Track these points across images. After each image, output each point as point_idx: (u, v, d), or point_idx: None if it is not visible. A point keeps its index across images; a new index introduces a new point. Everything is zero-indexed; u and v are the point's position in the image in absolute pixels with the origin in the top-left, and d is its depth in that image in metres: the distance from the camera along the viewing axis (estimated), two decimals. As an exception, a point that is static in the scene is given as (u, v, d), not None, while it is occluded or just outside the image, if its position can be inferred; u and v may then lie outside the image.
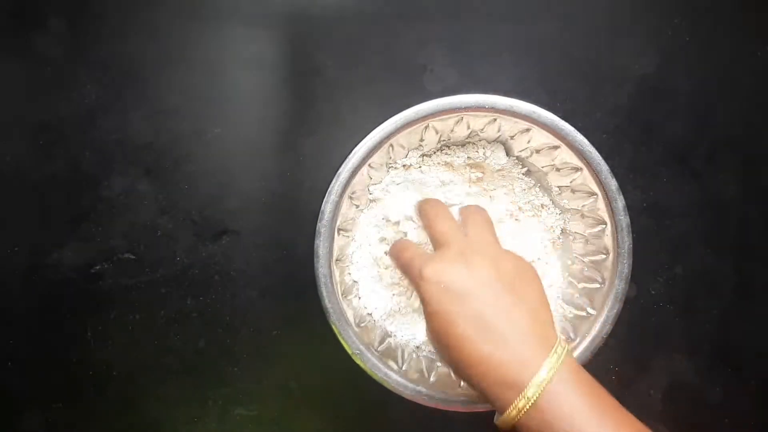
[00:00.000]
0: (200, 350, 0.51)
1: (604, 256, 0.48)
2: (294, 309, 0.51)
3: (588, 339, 0.47)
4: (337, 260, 0.47)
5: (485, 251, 0.40)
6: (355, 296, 0.50)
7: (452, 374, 0.47)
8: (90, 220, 0.50)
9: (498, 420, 0.36)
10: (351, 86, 0.51)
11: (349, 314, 0.47)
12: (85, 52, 0.50)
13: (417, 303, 0.50)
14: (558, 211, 0.51)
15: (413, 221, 0.49)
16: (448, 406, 0.46)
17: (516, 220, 0.51)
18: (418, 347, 0.50)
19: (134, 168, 0.50)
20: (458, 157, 0.50)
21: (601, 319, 0.47)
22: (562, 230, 0.51)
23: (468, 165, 0.51)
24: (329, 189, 0.46)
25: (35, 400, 0.51)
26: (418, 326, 0.50)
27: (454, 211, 0.48)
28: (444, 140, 0.50)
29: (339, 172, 0.46)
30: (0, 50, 0.49)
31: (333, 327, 0.46)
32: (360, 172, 0.46)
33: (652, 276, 0.53)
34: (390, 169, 0.50)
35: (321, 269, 0.46)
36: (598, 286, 0.48)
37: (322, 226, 0.46)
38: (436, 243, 0.43)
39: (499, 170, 0.51)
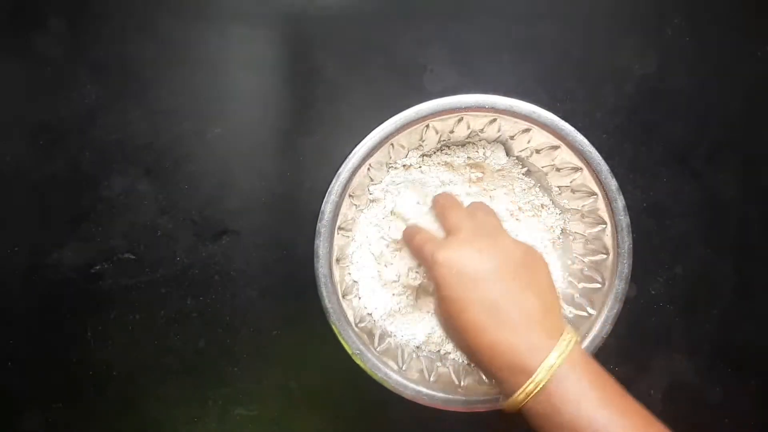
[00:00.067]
0: (200, 350, 0.51)
1: (604, 256, 0.48)
2: (294, 309, 0.51)
3: (588, 339, 0.47)
4: (337, 260, 0.47)
5: (496, 238, 0.41)
6: (355, 296, 0.50)
7: (460, 355, 0.48)
8: (90, 220, 0.50)
9: (505, 403, 0.37)
10: (351, 86, 0.51)
11: (349, 314, 0.47)
12: (85, 52, 0.50)
13: (417, 301, 0.50)
14: (558, 211, 0.51)
15: (425, 210, 0.49)
16: (448, 406, 0.46)
17: (516, 220, 0.51)
18: (418, 347, 0.50)
19: (134, 168, 0.50)
20: (458, 157, 0.50)
21: (601, 319, 0.47)
22: (562, 230, 0.51)
23: (468, 165, 0.51)
24: (329, 189, 0.46)
25: (35, 400, 0.51)
26: (418, 326, 0.50)
27: None
28: (444, 140, 0.50)
29: (339, 172, 0.46)
30: (0, 50, 0.50)
31: (333, 327, 0.46)
32: (360, 172, 0.46)
33: (652, 276, 0.53)
34: (390, 169, 0.50)
35: (321, 269, 0.46)
36: (598, 286, 0.48)
37: (322, 226, 0.46)
38: (449, 230, 0.43)
39: (499, 170, 0.51)
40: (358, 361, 0.46)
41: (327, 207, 0.46)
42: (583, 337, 0.47)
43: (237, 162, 0.51)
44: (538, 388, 0.34)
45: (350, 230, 0.49)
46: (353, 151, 0.46)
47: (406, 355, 0.48)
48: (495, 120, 0.47)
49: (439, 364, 0.49)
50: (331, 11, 0.50)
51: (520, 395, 0.35)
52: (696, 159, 0.53)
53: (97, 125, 0.50)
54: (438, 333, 0.50)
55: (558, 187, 0.50)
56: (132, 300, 0.51)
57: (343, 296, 0.48)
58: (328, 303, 0.46)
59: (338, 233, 0.47)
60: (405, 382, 0.46)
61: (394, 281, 0.49)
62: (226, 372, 0.51)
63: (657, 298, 0.53)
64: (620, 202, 0.47)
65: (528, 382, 0.35)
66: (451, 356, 0.50)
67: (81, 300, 0.50)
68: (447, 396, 0.46)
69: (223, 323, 0.51)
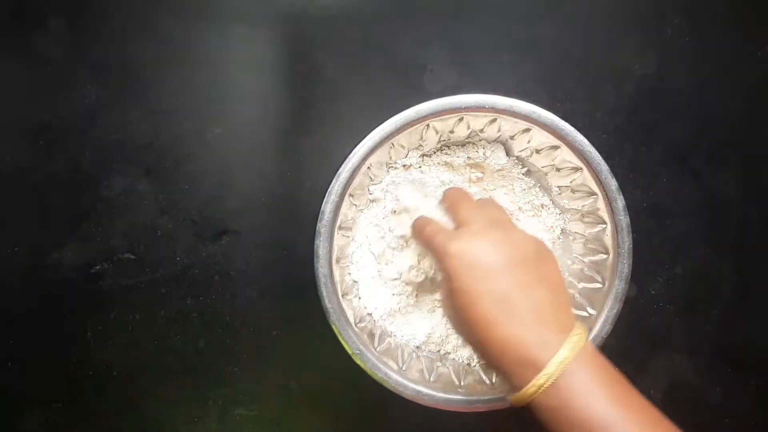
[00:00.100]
0: (200, 350, 0.51)
1: (604, 256, 0.48)
2: (294, 309, 0.51)
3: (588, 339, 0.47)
4: (337, 260, 0.47)
5: (507, 231, 0.41)
6: (355, 296, 0.50)
7: (460, 355, 0.48)
8: (90, 220, 0.50)
9: (513, 397, 0.37)
10: (351, 86, 0.51)
11: (349, 314, 0.47)
12: (85, 52, 0.50)
13: (417, 299, 0.50)
14: (558, 211, 0.51)
15: (433, 203, 0.49)
16: (448, 406, 0.46)
17: (516, 220, 0.51)
18: (418, 347, 0.50)
19: (134, 168, 0.50)
20: (458, 157, 0.50)
21: (601, 319, 0.47)
22: (562, 230, 0.51)
23: (468, 165, 0.51)
24: (329, 189, 0.46)
25: (35, 400, 0.51)
26: (418, 326, 0.50)
27: None
28: (444, 140, 0.50)
29: (339, 172, 0.46)
30: (0, 50, 0.50)
31: (333, 327, 0.46)
32: (360, 172, 0.46)
33: (652, 276, 0.53)
34: (390, 169, 0.50)
35: (321, 269, 0.46)
36: (598, 286, 0.48)
37: (322, 226, 0.46)
38: (460, 222, 0.43)
39: (499, 170, 0.51)
40: (358, 361, 0.46)
41: (327, 207, 0.46)
42: (583, 337, 0.47)
43: (237, 162, 0.51)
44: (549, 382, 0.34)
45: (350, 230, 0.49)
46: (353, 151, 0.46)
47: (406, 355, 0.48)
48: (495, 120, 0.47)
49: (439, 364, 0.49)
50: (331, 11, 0.50)
51: (530, 389, 0.35)
52: (696, 159, 0.53)
53: (97, 125, 0.50)
54: (438, 333, 0.50)
55: (558, 187, 0.50)
56: (132, 300, 0.51)
57: (343, 296, 0.48)
58: (328, 303, 0.46)
59: (338, 233, 0.47)
60: (405, 382, 0.46)
61: (395, 279, 0.49)
62: (226, 372, 0.51)
63: (657, 298, 0.53)
64: (620, 202, 0.47)
65: (538, 376, 0.35)
66: (451, 356, 0.50)
67: (81, 300, 0.50)
68: (447, 396, 0.46)
69: (223, 323, 0.51)
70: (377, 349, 0.47)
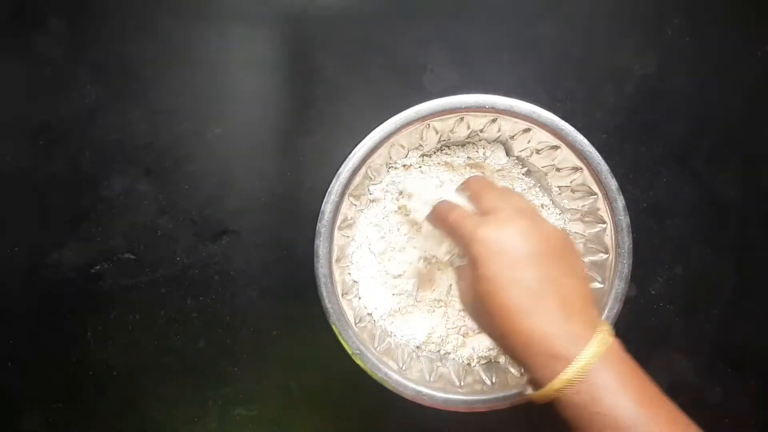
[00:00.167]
0: (200, 350, 0.51)
1: (604, 256, 0.48)
2: (294, 309, 0.51)
3: (588, 339, 0.47)
4: (337, 260, 0.47)
5: (535, 220, 0.39)
6: (355, 296, 0.50)
7: (460, 355, 0.48)
8: (90, 220, 0.50)
9: (537, 392, 0.35)
10: (351, 86, 0.51)
11: (349, 314, 0.47)
12: (85, 52, 0.50)
13: (418, 293, 0.50)
14: (558, 211, 0.51)
15: (450, 188, 0.48)
16: (448, 406, 0.46)
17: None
18: (418, 347, 0.50)
19: (134, 168, 0.50)
20: (458, 157, 0.50)
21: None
22: (562, 230, 0.51)
23: (468, 165, 0.51)
24: (329, 189, 0.46)
25: (35, 400, 0.51)
26: (418, 326, 0.50)
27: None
28: (444, 140, 0.50)
29: (339, 172, 0.46)
30: (0, 50, 0.49)
31: (333, 327, 0.46)
32: (360, 172, 0.46)
33: (652, 276, 0.53)
34: (390, 169, 0.50)
35: (321, 269, 0.46)
36: (598, 286, 0.48)
37: (322, 226, 0.46)
38: (485, 210, 0.41)
39: (499, 170, 0.51)
40: (358, 361, 0.46)
41: (327, 207, 0.46)
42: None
43: (237, 162, 0.51)
44: (579, 377, 0.33)
45: (350, 230, 0.49)
46: (353, 151, 0.46)
47: (406, 355, 0.48)
48: (495, 120, 0.47)
49: (439, 364, 0.49)
50: (331, 11, 0.50)
51: (557, 383, 0.34)
52: (696, 159, 0.53)
53: (97, 125, 0.50)
54: (438, 333, 0.50)
55: (558, 187, 0.50)
56: (132, 300, 0.51)
57: (343, 296, 0.48)
58: (328, 303, 0.46)
59: (338, 233, 0.47)
60: (405, 382, 0.46)
61: (399, 275, 0.49)
62: (226, 372, 0.51)
63: (657, 298, 0.53)
64: (620, 202, 0.47)
65: (567, 370, 0.34)
66: (451, 356, 0.50)
67: (81, 300, 0.50)
68: (447, 396, 0.46)
69: (223, 323, 0.51)
70: (377, 349, 0.47)
